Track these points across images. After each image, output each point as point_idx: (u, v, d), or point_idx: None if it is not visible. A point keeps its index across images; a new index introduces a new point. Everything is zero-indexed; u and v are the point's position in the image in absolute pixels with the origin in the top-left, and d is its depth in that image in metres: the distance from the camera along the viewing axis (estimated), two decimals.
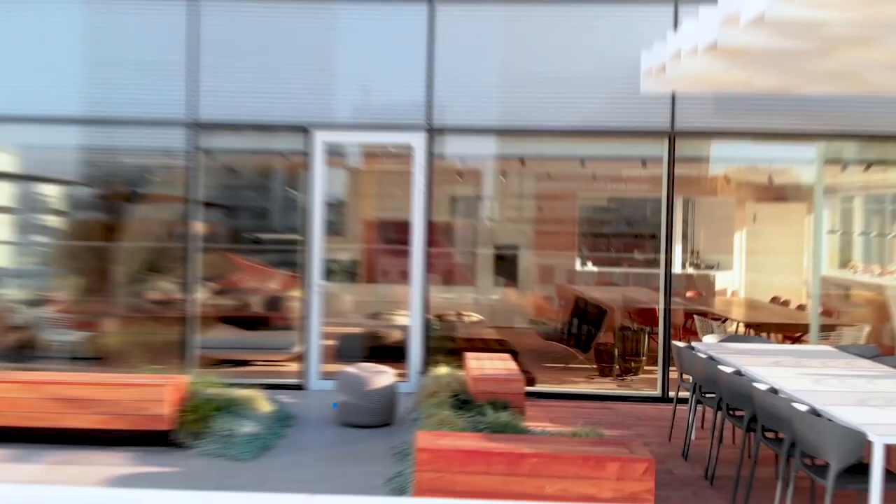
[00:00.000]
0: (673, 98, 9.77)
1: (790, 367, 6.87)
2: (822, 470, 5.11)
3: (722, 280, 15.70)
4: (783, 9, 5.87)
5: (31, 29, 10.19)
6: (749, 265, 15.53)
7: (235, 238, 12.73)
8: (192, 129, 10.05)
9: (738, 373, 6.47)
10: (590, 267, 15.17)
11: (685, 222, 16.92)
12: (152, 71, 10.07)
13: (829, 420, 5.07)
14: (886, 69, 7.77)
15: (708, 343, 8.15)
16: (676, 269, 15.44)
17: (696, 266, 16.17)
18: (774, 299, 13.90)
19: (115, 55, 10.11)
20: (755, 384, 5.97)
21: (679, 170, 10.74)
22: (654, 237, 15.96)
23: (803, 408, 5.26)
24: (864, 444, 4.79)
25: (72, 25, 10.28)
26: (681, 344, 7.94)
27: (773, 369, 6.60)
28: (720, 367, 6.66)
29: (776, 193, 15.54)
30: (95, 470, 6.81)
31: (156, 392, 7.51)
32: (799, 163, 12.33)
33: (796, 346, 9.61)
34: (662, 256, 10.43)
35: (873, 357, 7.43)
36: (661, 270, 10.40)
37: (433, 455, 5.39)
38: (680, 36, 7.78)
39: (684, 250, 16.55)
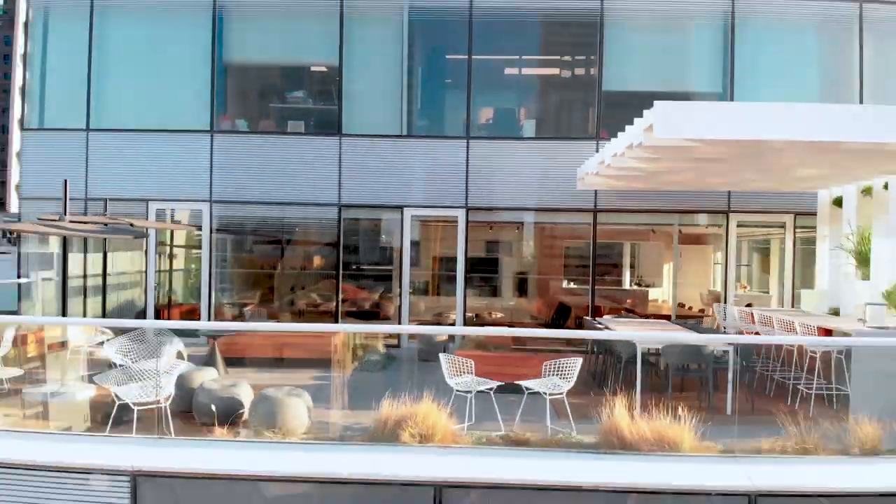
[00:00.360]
0: (595, 192, 14.02)
1: (633, 327, 11.03)
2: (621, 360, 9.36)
3: (653, 293, 19.51)
4: (618, 162, 10.16)
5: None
6: (674, 284, 19.24)
7: (354, 266, 16.88)
8: (339, 208, 14.54)
9: (607, 328, 10.67)
10: (571, 285, 19.16)
11: (632, 256, 20.91)
12: (320, 177, 14.53)
13: (628, 342, 9.33)
14: (691, 181, 12.02)
15: (604, 318, 12.35)
16: (625, 285, 19.47)
17: (639, 284, 20.09)
18: (680, 305, 17.74)
19: (300, 169, 14.58)
20: (606, 330, 10.22)
21: (624, 227, 14.89)
22: (616, 266, 19.94)
23: (617, 337, 9.53)
24: (635, 348, 9.01)
25: (285, 157, 14.75)
26: (588, 318, 12.17)
27: (620, 327, 10.79)
28: (597, 326, 10.89)
29: (690, 240, 19.25)
30: (306, 374, 11.12)
31: (328, 341, 11.91)
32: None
33: (654, 321, 13.29)
34: (590, 278, 14.58)
35: (686, 325, 11.54)
36: (589, 286, 14.57)
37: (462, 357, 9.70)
38: (587, 164, 12.15)
39: (631, 275, 20.55)
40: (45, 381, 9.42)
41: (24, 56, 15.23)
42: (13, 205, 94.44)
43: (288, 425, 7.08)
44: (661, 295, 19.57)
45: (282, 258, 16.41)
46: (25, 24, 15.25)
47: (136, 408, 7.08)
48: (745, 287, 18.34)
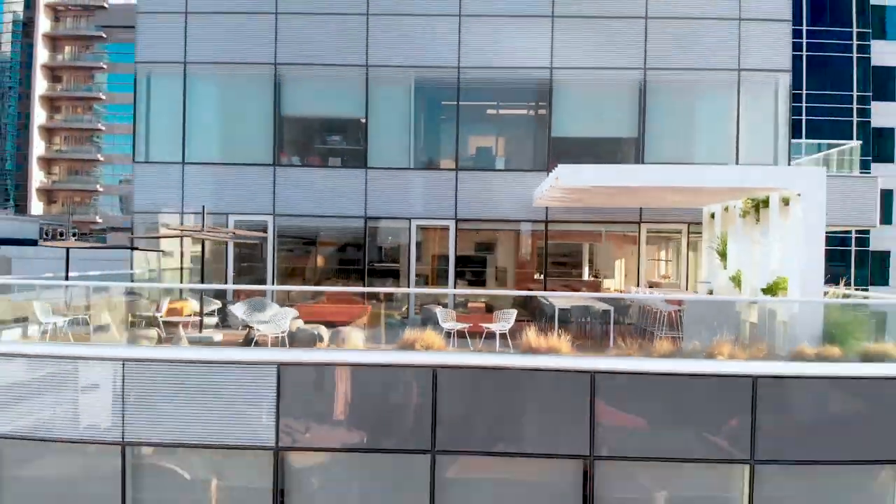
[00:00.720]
0: (546, 209, 20.08)
1: (561, 298, 16.96)
2: (547, 315, 15.35)
3: (605, 283, 25.51)
4: (549, 193, 16.18)
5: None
6: (623, 275, 25.23)
7: (375, 262, 22.84)
8: (365, 220, 20.59)
9: (544, 299, 16.63)
10: (539, 276, 25.16)
11: (591, 253, 26.92)
12: (351, 197, 20.53)
13: (552, 306, 15.35)
14: (607, 202, 18.05)
15: (548, 294, 18.33)
16: (584, 276, 25.41)
17: (595, 276, 26.12)
18: (617, 290, 23.69)
19: (336, 191, 20.57)
20: (542, 300, 16.24)
21: (580, 233, 20.88)
22: (576, 264, 25.94)
23: (547, 303, 15.56)
24: (555, 309, 15.01)
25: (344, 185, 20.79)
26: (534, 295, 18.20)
27: (552, 299, 16.73)
28: (539, 298, 16.88)
29: (636, 241, 25.16)
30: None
31: (363, 311, 17.93)
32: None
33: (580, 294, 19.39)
34: (544, 269, 20.61)
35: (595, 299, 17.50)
36: (543, 276, 20.61)
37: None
38: (537, 191, 18.19)
39: (590, 269, 26.57)
40: (188, 330, 15.50)
41: (134, 108, 21.26)
42: (34, 207, 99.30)
43: (351, 343, 13.15)
44: (611, 284, 25.64)
45: (322, 256, 22.45)
46: (135, 82, 21.26)
47: (269, 336, 13.16)
48: (668, 276, 24.37)
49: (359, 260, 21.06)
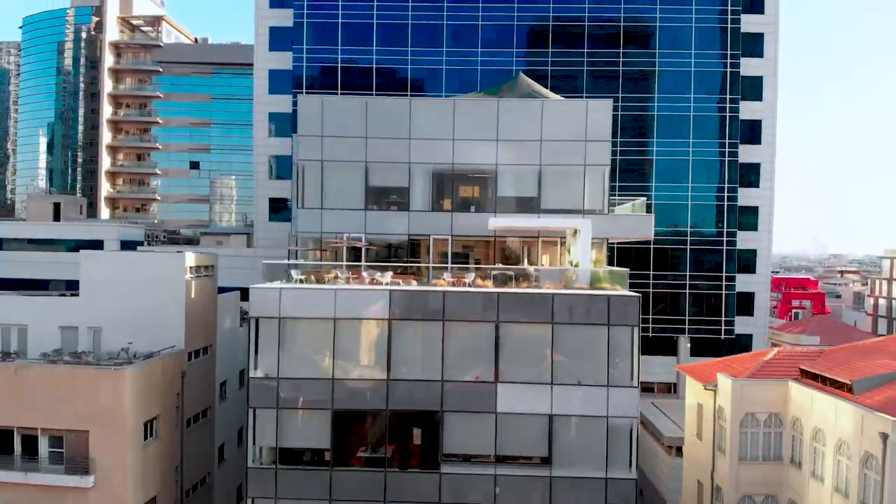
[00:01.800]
0: (495, 230, 44.50)
1: (497, 269, 41.17)
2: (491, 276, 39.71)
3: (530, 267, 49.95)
4: (492, 226, 40.66)
5: None
6: (543, 264, 49.61)
7: (412, 258, 46.91)
8: (409, 236, 44.98)
9: (487, 271, 40.82)
10: (498, 265, 49.46)
11: (528, 252, 51.30)
12: (400, 225, 44.83)
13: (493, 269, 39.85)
14: (527, 227, 42.65)
15: (482, 266, 42.57)
16: (524, 264, 49.81)
17: (530, 264, 50.56)
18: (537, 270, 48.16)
19: (395, 222, 44.90)
20: (486, 270, 40.63)
21: (515, 241, 45.29)
22: (519, 258, 50.42)
23: (489, 272, 40.06)
24: (491, 273, 39.29)
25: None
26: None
27: (495, 271, 40.92)
28: (485, 269, 41.19)
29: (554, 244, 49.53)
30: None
31: (412, 277, 42.14)
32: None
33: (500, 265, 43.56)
34: (495, 260, 45.18)
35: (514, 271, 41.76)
36: (494, 263, 45.13)
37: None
38: (489, 223, 42.95)
39: (528, 260, 50.87)
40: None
41: (294, 180, 45.61)
42: (104, 213, 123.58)
43: (412, 285, 37.65)
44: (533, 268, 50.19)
45: (387, 253, 46.76)
46: (301, 170, 45.70)
47: (382, 282, 37.65)
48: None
49: (405, 255, 45.49)
